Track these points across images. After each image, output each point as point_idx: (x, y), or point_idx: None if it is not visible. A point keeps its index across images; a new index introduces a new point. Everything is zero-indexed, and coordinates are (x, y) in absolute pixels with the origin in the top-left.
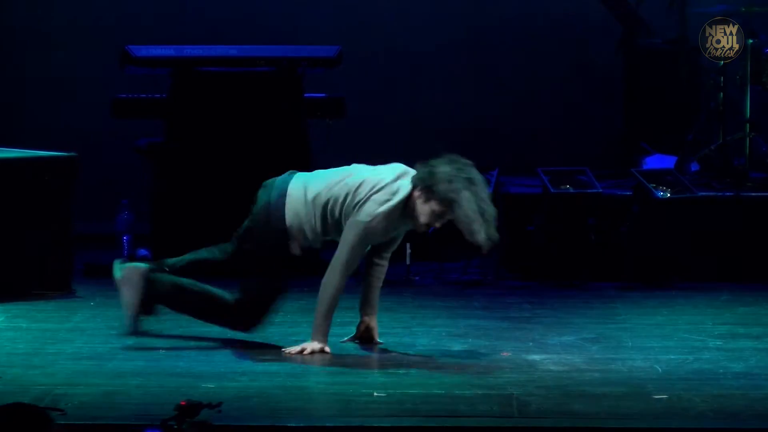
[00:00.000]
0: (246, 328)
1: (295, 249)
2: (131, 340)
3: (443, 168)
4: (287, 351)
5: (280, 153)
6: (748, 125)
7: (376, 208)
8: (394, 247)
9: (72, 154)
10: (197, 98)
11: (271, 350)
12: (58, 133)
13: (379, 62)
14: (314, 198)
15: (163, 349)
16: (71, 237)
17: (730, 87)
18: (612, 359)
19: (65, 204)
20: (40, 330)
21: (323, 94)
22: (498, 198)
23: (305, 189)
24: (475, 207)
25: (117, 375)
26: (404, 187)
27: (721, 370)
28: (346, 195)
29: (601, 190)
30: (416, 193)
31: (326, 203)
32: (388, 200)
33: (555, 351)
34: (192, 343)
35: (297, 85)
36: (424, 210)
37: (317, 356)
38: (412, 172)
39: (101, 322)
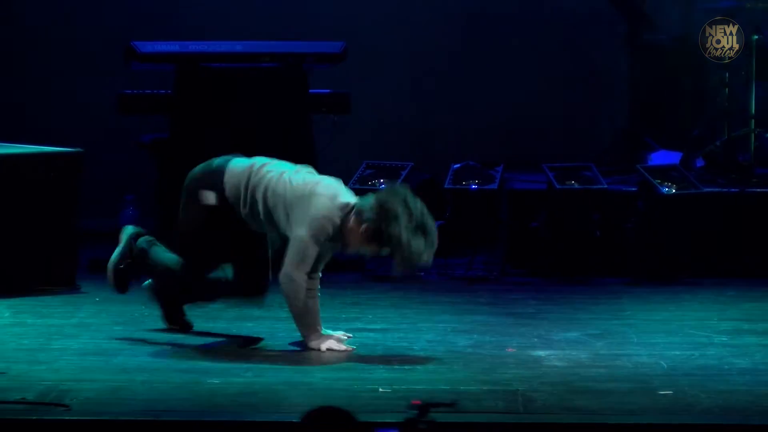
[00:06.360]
0: None
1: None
2: (136, 336)
3: (397, 221)
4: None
5: (285, 149)
6: (753, 121)
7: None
8: (323, 265)
9: (77, 149)
10: (202, 94)
11: (276, 345)
12: (63, 128)
13: (384, 58)
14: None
15: (168, 344)
16: (76, 233)
17: (736, 83)
18: (617, 355)
19: (70, 200)
20: (45, 325)
21: (328, 90)
22: (503, 194)
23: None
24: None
25: (122, 370)
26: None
27: (726, 366)
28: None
29: (606, 186)
30: (360, 227)
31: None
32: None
33: (560, 347)
34: (197, 339)
35: (302, 80)
36: (355, 243)
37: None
38: (345, 192)
39: (106, 318)
